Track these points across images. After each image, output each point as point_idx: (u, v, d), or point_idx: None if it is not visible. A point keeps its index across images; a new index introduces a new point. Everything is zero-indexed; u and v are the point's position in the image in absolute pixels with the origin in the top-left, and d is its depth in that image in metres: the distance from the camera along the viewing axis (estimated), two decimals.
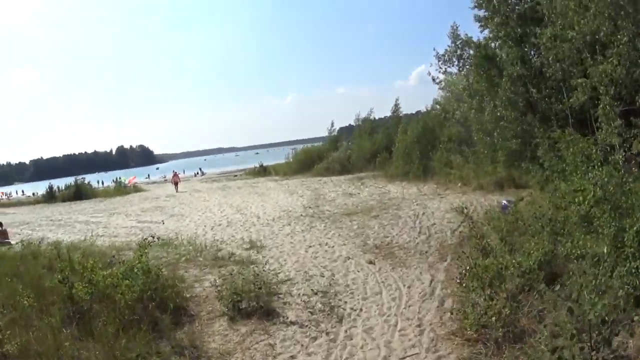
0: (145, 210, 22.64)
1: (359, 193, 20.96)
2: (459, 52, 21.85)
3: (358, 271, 9.29)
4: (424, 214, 14.36)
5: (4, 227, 16.45)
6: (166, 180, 46.74)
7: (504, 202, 12.52)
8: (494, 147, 17.79)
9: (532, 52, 16.53)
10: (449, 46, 22.15)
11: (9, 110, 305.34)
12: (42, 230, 18.40)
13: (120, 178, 45.10)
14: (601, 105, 10.94)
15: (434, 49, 22.74)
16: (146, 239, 8.79)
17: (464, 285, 6.90)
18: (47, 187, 35.67)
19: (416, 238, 11.49)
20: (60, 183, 36.96)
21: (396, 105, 34.98)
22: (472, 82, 19.66)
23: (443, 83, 24.73)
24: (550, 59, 13.92)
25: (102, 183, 49.28)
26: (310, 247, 11.62)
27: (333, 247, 11.39)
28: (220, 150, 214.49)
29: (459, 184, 19.28)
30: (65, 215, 23.78)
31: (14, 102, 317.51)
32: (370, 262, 9.73)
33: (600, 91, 11.06)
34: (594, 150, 8.66)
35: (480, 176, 18.34)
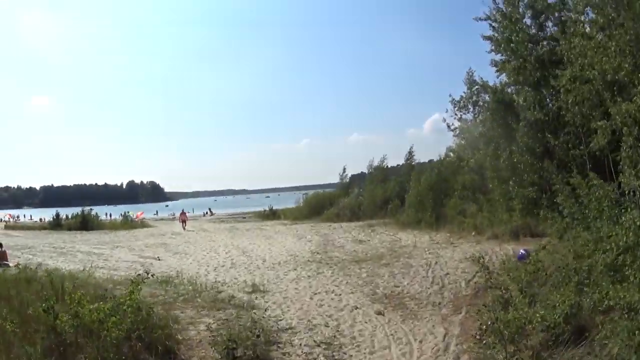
0: (149, 246, 22.23)
1: (369, 240, 20.47)
2: (474, 98, 21.71)
3: (366, 322, 8.70)
4: (436, 263, 13.81)
5: (3, 249, 16.28)
6: (174, 217, 46.56)
7: (521, 251, 12.11)
8: (510, 194, 17.40)
9: (549, 97, 16.34)
10: (464, 92, 22.11)
11: (22, 135, 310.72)
12: (42, 256, 18.13)
13: (128, 212, 44.97)
14: (624, 147, 10.44)
15: (450, 95, 22.70)
16: (139, 274, 8.36)
17: (483, 341, 6.30)
18: (54, 214, 35.78)
19: (428, 288, 10.92)
20: (68, 211, 37.25)
21: (410, 153, 34.75)
22: (488, 128, 19.41)
23: (458, 130, 24.33)
24: (569, 101, 13.58)
25: (110, 216, 49.20)
26: (315, 294, 11.07)
27: (340, 295, 10.82)
28: (231, 192, 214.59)
29: (473, 233, 18.77)
30: (68, 243, 23.56)
31: (27, 128, 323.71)
32: (379, 313, 9.15)
33: (623, 132, 10.58)
34: (627, 192, 8.17)
35: (495, 225, 17.84)
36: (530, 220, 16.22)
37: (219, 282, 12.76)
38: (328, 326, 8.47)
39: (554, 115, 15.58)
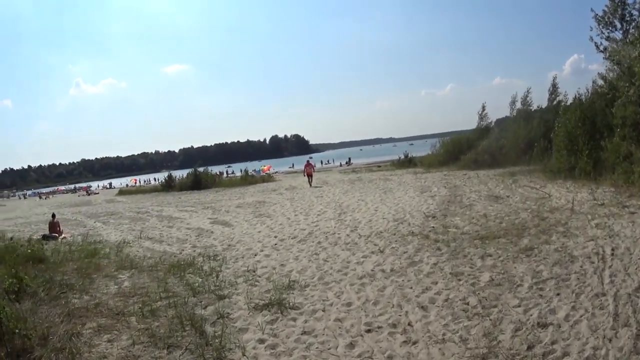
0: (240, 206, 18.80)
1: (508, 196, 13.99)
2: (620, 11, 18.48)
3: None
4: (613, 253, 7.05)
5: (56, 220, 14.83)
6: None
7: None
8: None
9: None
10: (606, 6, 18.71)
11: (162, 103, 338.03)
12: (111, 225, 16.56)
13: (261, 167, 42.94)
14: None
15: (591, 10, 19.16)
16: None
17: None
18: (165, 176, 34.65)
19: (609, 341, 4.34)
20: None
21: (554, 85, 26.29)
22: None
23: (607, 52, 18.92)
24: None
25: (246, 172, 47.80)
26: (368, 330, 5.27)
27: (416, 343, 4.85)
28: (378, 141, 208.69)
29: None
30: (157, 207, 21.84)
31: (165, 96, 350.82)
32: None
33: None
34: None
35: None
36: None
37: (251, 271, 8.17)
38: None
39: None
